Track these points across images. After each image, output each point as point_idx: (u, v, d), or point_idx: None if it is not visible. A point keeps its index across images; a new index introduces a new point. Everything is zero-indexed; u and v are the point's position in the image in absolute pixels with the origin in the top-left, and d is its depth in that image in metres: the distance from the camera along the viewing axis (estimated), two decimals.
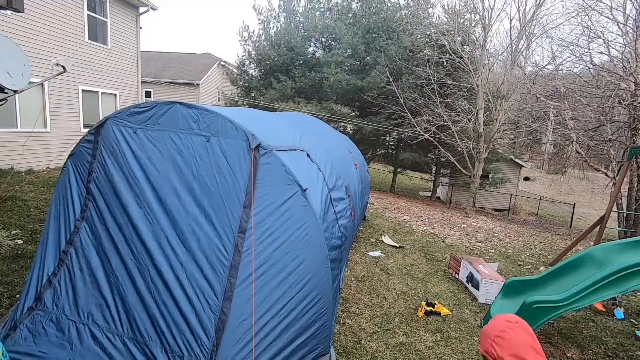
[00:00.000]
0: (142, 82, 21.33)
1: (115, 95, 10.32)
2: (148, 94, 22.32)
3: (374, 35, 13.93)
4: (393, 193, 14.67)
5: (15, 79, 3.37)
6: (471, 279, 4.50)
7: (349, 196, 4.05)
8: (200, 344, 2.16)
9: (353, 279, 4.34)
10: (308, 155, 3.41)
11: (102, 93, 9.78)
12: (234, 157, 2.57)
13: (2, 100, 3.30)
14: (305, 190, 2.59)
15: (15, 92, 3.40)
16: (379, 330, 3.28)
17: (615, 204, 6.20)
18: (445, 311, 3.76)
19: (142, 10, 10.97)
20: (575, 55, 9.97)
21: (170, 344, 2.18)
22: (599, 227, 5.62)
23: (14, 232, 4.15)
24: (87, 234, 2.51)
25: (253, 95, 15.07)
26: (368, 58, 13.81)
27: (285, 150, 2.84)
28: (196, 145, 2.64)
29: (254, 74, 16.06)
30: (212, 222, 2.44)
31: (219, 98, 15.83)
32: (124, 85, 10.71)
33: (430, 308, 3.70)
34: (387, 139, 16.05)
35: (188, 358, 2.14)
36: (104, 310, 2.29)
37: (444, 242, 7.00)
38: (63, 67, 3.48)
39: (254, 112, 3.68)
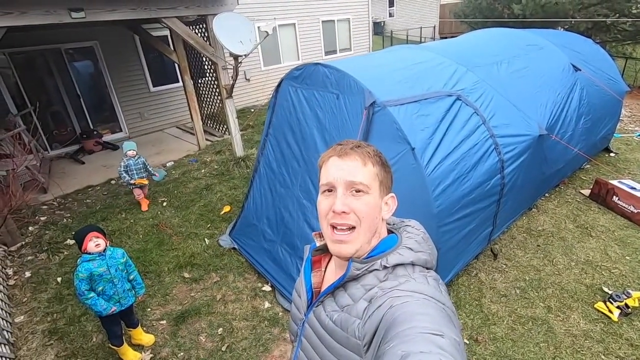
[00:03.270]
0: None
1: (348, 19, 11.39)
2: (391, 3, 22.51)
3: None
4: None
5: (245, 45, 4.72)
6: None
7: (541, 134, 3.33)
8: None
9: (524, 230, 3.82)
10: (459, 99, 3.11)
11: (337, 20, 11.06)
12: (354, 114, 2.84)
13: (239, 63, 4.78)
14: (413, 149, 2.58)
15: (246, 55, 4.79)
16: (513, 294, 3.00)
17: None
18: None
19: None
20: None
21: (303, 256, 3.08)
22: None
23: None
24: (263, 165, 3.66)
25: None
26: None
27: (408, 103, 2.78)
28: (329, 101, 3.07)
29: None
30: None
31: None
32: (355, 8, 11.54)
33: (620, 303, 2.76)
34: None
35: None
36: (269, 221, 3.46)
37: None
38: (266, 31, 4.52)
39: (403, 56, 3.52)
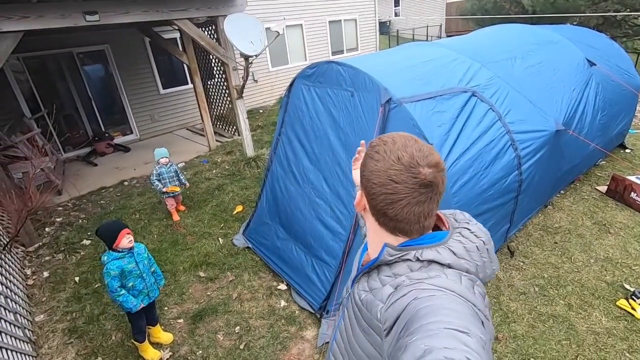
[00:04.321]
0: None
1: (355, 19, 11.38)
2: (397, 2, 22.45)
3: None
4: None
5: (255, 46, 4.74)
6: None
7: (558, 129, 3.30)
8: (332, 260, 2.94)
9: (540, 227, 3.77)
10: (474, 95, 3.09)
11: (344, 20, 11.06)
12: (369, 111, 2.84)
13: (249, 64, 4.80)
14: (431, 145, 2.55)
15: (256, 56, 4.81)
16: (532, 292, 2.97)
17: None
18: None
19: None
20: None
21: (317, 254, 3.08)
22: None
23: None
24: (275, 164, 3.66)
25: None
26: None
27: (424, 100, 2.77)
28: (344, 99, 3.06)
29: None
30: (350, 168, 2.95)
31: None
32: (361, 8, 11.53)
33: None
34: None
35: (327, 263, 2.99)
36: (282, 220, 3.46)
37: None
38: (277, 32, 4.54)
39: (416, 53, 3.51)
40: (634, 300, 2.76)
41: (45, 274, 3.81)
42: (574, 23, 10.25)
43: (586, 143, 3.90)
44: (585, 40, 4.75)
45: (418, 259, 0.81)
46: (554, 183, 3.88)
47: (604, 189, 4.39)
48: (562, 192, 4.36)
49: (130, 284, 2.48)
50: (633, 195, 4.00)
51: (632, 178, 4.08)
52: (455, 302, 0.68)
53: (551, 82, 3.74)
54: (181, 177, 4.56)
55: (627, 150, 5.38)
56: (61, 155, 7.22)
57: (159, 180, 4.36)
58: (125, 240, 2.42)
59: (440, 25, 20.04)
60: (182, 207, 4.82)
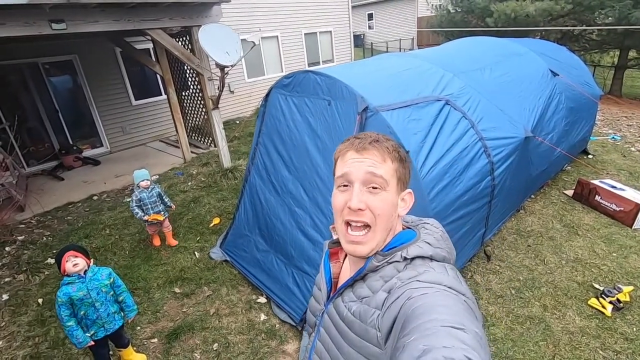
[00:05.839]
0: (364, 4, 22.10)
1: (330, 31, 11.57)
2: (370, 16, 23.08)
3: None
4: (618, 97, 10.12)
5: (231, 56, 4.71)
6: None
7: (526, 136, 3.43)
8: (313, 271, 2.89)
9: (513, 231, 3.88)
10: (447, 103, 3.17)
11: (319, 32, 11.22)
12: (346, 119, 2.85)
13: (225, 74, 4.76)
14: (407, 152, 2.59)
15: (232, 66, 4.77)
16: (509, 294, 3.03)
17: None
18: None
19: None
20: None
21: (298, 265, 3.03)
22: None
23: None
24: (254, 175, 3.61)
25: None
26: None
27: (400, 108, 2.81)
28: (321, 108, 3.07)
29: None
30: (329, 177, 2.93)
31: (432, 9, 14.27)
32: (336, 20, 11.75)
33: (612, 298, 2.83)
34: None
35: (308, 274, 2.94)
36: (261, 231, 3.40)
37: None
38: (253, 42, 4.54)
39: (391, 63, 3.58)
40: (604, 299, 2.86)
41: (5, 296, 3.54)
42: (536, 36, 10.85)
43: (552, 149, 4.08)
44: (548, 52, 5.02)
45: (405, 258, 0.82)
46: (524, 188, 4.03)
47: (570, 192, 4.59)
48: (532, 196, 4.52)
49: (82, 313, 2.29)
50: (597, 198, 4.20)
51: (596, 182, 4.29)
52: (448, 297, 0.69)
53: (519, 92, 3.91)
54: (165, 199, 4.03)
55: (590, 156, 5.68)
56: (24, 169, 6.84)
57: (140, 207, 3.84)
58: (69, 264, 2.22)
59: (413, 39, 20.71)
60: (173, 242, 4.14)
